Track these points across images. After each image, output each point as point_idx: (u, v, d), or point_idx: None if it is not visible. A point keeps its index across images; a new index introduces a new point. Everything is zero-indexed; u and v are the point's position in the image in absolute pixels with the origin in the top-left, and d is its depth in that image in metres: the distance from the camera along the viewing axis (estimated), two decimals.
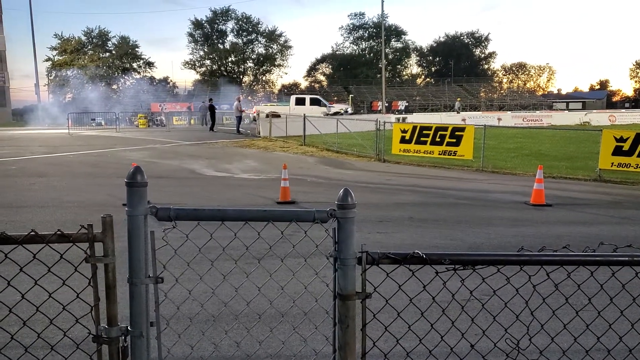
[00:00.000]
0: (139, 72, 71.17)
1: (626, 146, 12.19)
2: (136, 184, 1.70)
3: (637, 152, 12.08)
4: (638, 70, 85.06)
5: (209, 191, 10.75)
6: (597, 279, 2.04)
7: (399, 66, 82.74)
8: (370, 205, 9.00)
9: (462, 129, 15.47)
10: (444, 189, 11.30)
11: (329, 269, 1.87)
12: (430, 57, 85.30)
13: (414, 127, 16.35)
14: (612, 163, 12.36)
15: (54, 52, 63.89)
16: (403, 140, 16.29)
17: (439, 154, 15.51)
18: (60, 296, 1.99)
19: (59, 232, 1.70)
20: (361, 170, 14.46)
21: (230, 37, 74.95)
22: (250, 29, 74.10)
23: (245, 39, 74.49)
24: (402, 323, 2.14)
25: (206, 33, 73.73)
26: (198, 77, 73.89)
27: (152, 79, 70.09)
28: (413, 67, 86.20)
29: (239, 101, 27.55)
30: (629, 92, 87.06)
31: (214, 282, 2.94)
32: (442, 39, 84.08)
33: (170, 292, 2.22)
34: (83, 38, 65.84)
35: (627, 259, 1.86)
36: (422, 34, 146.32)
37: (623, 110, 51.09)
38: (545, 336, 2.28)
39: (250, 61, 76.09)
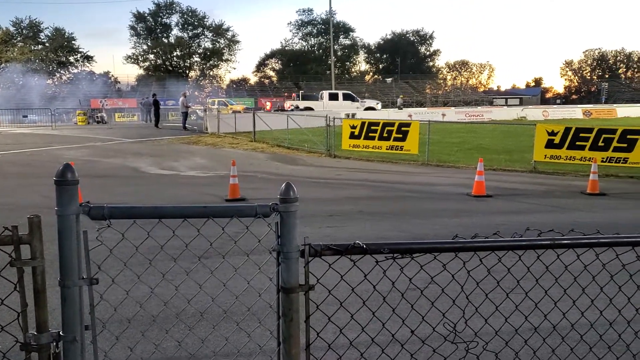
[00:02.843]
0: (76, 67, 67.75)
1: (557, 139, 12.98)
2: (66, 182, 1.63)
3: (566, 145, 12.89)
4: (567, 69, 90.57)
5: (153, 190, 10.44)
6: (524, 263, 2.17)
7: (347, 63, 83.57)
8: (321, 200, 9.08)
9: (408, 125, 15.90)
10: (392, 182, 11.58)
11: (273, 264, 1.88)
12: (378, 55, 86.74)
13: (363, 123, 16.61)
14: (545, 155, 13.13)
15: None
16: (352, 136, 16.52)
17: (387, 149, 15.85)
18: None
19: None
20: (312, 166, 14.53)
21: (175, 31, 72.91)
22: (196, 23, 72.33)
23: (191, 33, 72.64)
24: (346, 313, 2.19)
25: (149, 26, 71.22)
26: (141, 72, 71.36)
27: (91, 73, 66.93)
28: (361, 64, 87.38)
29: (185, 97, 26.89)
30: (560, 89, 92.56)
31: (154, 281, 2.88)
32: (388, 37, 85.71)
33: (106, 294, 2.15)
34: (12, 29, 61.71)
35: (549, 242, 2.00)
36: (370, 31, 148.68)
37: (555, 106, 54.36)
38: (479, 319, 2.41)
39: (197, 56, 74.32)
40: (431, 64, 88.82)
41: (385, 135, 15.87)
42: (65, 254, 1.63)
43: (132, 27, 70.61)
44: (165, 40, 71.90)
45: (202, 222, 1.79)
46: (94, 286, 1.69)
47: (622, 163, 12.40)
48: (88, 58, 68.12)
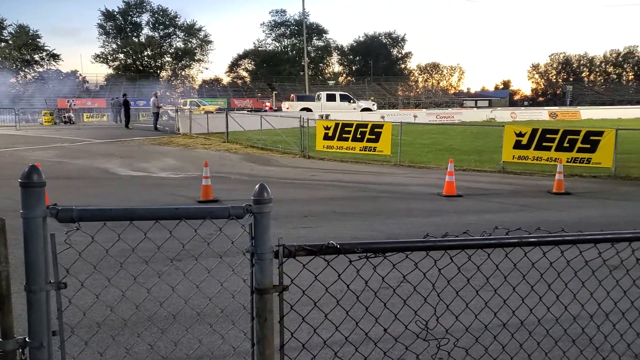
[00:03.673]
0: (42, 65, 65.71)
1: (524, 140, 13.35)
2: (32, 184, 1.59)
3: (533, 146, 13.27)
4: (534, 72, 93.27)
5: (124, 192, 10.22)
6: (493, 261, 2.23)
7: (321, 64, 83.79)
8: (295, 200, 9.08)
9: (381, 126, 16.06)
10: (365, 183, 11.67)
11: (246, 265, 1.88)
12: (351, 56, 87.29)
13: (337, 124, 16.68)
14: (514, 156, 13.48)
15: None
16: (326, 137, 16.58)
17: (360, 150, 15.98)
18: None
19: None
20: (286, 167, 14.50)
21: (146, 30, 71.58)
22: (167, 23, 71.18)
23: (162, 33, 71.46)
24: (320, 313, 2.20)
25: (119, 25, 69.69)
26: (111, 71, 69.77)
27: (58, 72, 65.03)
28: (335, 65, 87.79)
29: (156, 97, 26.42)
30: (528, 92, 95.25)
31: (125, 285, 2.83)
32: (361, 39, 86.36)
33: (75, 298, 2.10)
34: None
35: (516, 240, 2.06)
36: (343, 33, 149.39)
37: (523, 108, 55.77)
38: (450, 316, 2.46)
39: (168, 56, 73.18)
40: (403, 66, 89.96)
41: (358, 136, 16.00)
42: (31, 258, 1.59)
43: (100, 26, 68.98)
44: (136, 40, 70.53)
45: (174, 224, 1.77)
46: (62, 290, 1.66)
47: (585, 163, 12.85)
48: (54, 56, 66.18)
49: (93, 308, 3.21)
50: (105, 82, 65.37)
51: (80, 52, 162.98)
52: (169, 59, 73.54)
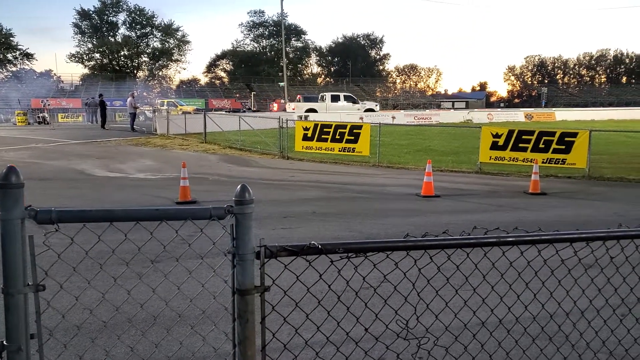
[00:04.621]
0: (15, 64, 64.00)
1: (501, 141, 13.61)
2: (10, 185, 1.56)
3: (510, 147, 13.53)
4: (510, 74, 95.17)
5: (100, 193, 10.04)
6: (472, 260, 2.28)
7: (299, 65, 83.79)
8: (275, 201, 9.05)
9: (360, 127, 16.15)
10: (345, 183, 11.72)
11: (227, 266, 1.87)
12: (330, 57, 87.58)
13: (316, 125, 16.71)
14: (490, 157, 13.72)
15: None
16: (305, 138, 16.58)
17: (339, 151, 16.04)
18: None
19: None
20: (265, 168, 14.45)
21: (122, 30, 70.47)
22: (144, 22, 70.22)
23: (139, 33, 70.43)
24: (301, 314, 2.20)
25: (95, 24, 68.43)
26: (87, 71, 68.41)
27: (31, 72, 63.44)
28: (313, 66, 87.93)
29: (133, 97, 26.00)
30: (504, 93, 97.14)
31: (104, 287, 2.78)
32: (340, 40, 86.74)
33: (54, 301, 2.06)
34: None
35: (495, 240, 2.10)
36: (321, 34, 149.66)
37: (499, 109, 56.79)
38: (430, 315, 2.49)
39: (145, 56, 72.16)
40: (381, 67, 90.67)
41: (337, 137, 16.05)
42: (9, 260, 1.56)
43: (75, 25, 67.65)
44: (112, 39, 69.35)
45: (155, 225, 1.75)
46: (40, 293, 1.62)
47: (560, 164, 13.16)
48: (28, 55, 64.59)
49: (72, 310, 3.14)
50: (80, 82, 64.04)
51: (55, 52, 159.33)
52: (146, 59, 72.55)
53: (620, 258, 2.42)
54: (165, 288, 2.99)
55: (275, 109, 43.08)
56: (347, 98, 38.82)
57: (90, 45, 68.74)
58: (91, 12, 67.60)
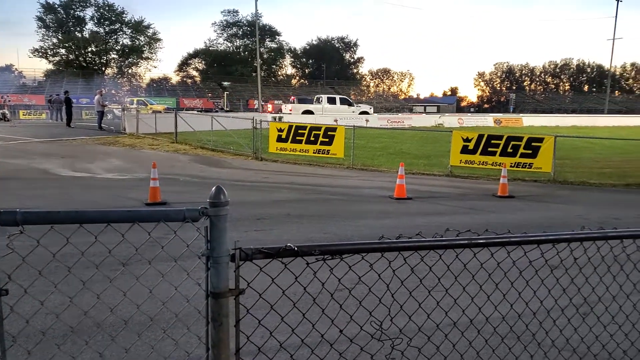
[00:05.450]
0: None
1: (471, 145, 13.90)
2: None
3: (479, 151, 13.84)
4: (480, 80, 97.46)
5: (66, 193, 9.74)
6: (444, 261, 2.31)
7: (274, 66, 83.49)
8: (248, 203, 8.98)
9: (334, 129, 16.21)
10: (319, 185, 11.73)
11: (201, 269, 1.84)
12: (304, 59, 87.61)
13: (290, 127, 16.68)
14: (461, 160, 14.00)
15: None
16: (280, 139, 16.52)
17: (314, 153, 16.06)
18: None
19: None
20: (238, 169, 14.32)
21: (90, 26, 68.58)
22: (113, 18, 68.50)
23: (107, 29, 68.69)
24: (276, 316, 2.19)
25: (60, 19, 66.33)
26: (51, 67, 66.22)
27: None
28: (288, 67, 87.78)
29: (101, 95, 25.35)
30: (474, 99, 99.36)
31: (72, 290, 2.69)
32: (314, 42, 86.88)
33: (17, 306, 1.98)
34: None
35: (466, 242, 2.14)
36: (296, 36, 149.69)
37: (469, 114, 58.03)
38: (404, 316, 2.52)
39: (114, 52, 70.45)
40: (355, 70, 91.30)
41: (312, 139, 16.07)
42: None
43: (39, 19, 65.40)
44: (79, 35, 67.40)
45: (126, 227, 1.71)
46: (2, 297, 1.56)
47: (527, 168, 13.54)
48: None
49: (37, 315, 3.04)
50: (44, 78, 62.01)
51: (17, 46, 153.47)
52: (115, 56, 70.86)
53: (583, 259, 2.50)
54: (137, 291, 2.91)
55: (270, 109, 43.23)
56: (343, 101, 39.58)
57: (55, 40, 66.62)
58: (56, 6, 65.51)
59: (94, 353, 3.08)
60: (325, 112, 36.12)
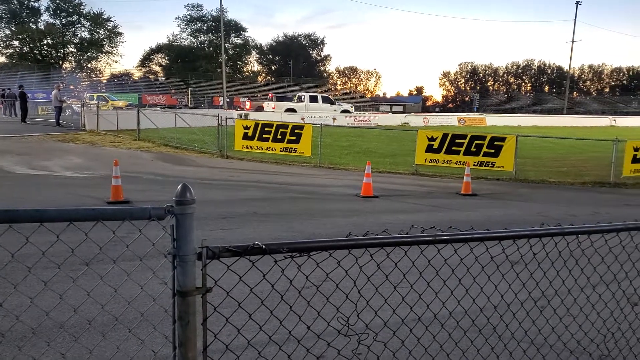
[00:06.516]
0: None
1: (436, 144, 14.20)
2: None
3: (444, 150, 14.15)
4: (445, 80, 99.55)
5: (22, 192, 9.35)
6: (409, 258, 2.37)
7: (239, 62, 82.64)
8: (214, 202, 8.87)
9: (301, 127, 16.20)
10: (286, 184, 11.71)
11: (167, 267, 1.82)
12: (270, 56, 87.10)
13: (256, 124, 16.55)
14: (426, 159, 14.28)
15: None
16: (246, 137, 16.37)
17: (281, 151, 15.99)
18: None
19: None
20: (203, 167, 14.12)
21: (46, 17, 65.91)
22: (70, 10, 66.06)
23: (64, 21, 66.20)
24: (244, 314, 2.19)
25: (13, 9, 63.42)
26: (4, 60, 63.36)
27: None
28: (254, 64, 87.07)
29: (59, 90, 24.42)
30: (439, 98, 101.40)
31: (33, 291, 2.60)
32: (281, 39, 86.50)
33: None
34: None
35: (431, 238, 2.20)
36: (262, 32, 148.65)
37: (434, 113, 59.15)
38: (370, 312, 2.56)
39: (72, 46, 68.00)
40: (322, 68, 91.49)
41: (279, 137, 16.00)
42: None
43: None
44: (33, 26, 64.66)
45: (89, 226, 1.67)
46: None
47: (490, 167, 13.95)
48: None
49: None
50: None
51: None
52: (73, 50, 68.42)
53: (542, 254, 2.61)
54: (101, 291, 2.83)
55: (247, 107, 42.89)
56: (324, 99, 39.89)
57: (7, 32, 63.75)
58: None
59: (57, 354, 2.99)
60: (308, 110, 36.42)
